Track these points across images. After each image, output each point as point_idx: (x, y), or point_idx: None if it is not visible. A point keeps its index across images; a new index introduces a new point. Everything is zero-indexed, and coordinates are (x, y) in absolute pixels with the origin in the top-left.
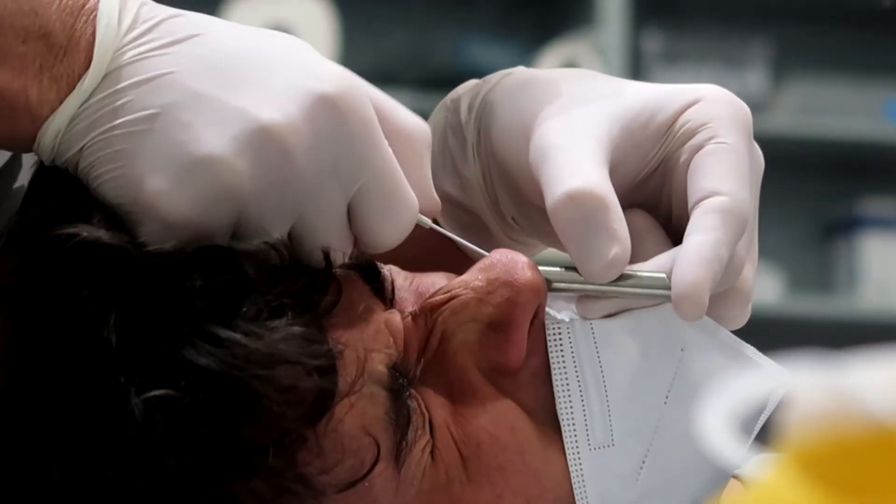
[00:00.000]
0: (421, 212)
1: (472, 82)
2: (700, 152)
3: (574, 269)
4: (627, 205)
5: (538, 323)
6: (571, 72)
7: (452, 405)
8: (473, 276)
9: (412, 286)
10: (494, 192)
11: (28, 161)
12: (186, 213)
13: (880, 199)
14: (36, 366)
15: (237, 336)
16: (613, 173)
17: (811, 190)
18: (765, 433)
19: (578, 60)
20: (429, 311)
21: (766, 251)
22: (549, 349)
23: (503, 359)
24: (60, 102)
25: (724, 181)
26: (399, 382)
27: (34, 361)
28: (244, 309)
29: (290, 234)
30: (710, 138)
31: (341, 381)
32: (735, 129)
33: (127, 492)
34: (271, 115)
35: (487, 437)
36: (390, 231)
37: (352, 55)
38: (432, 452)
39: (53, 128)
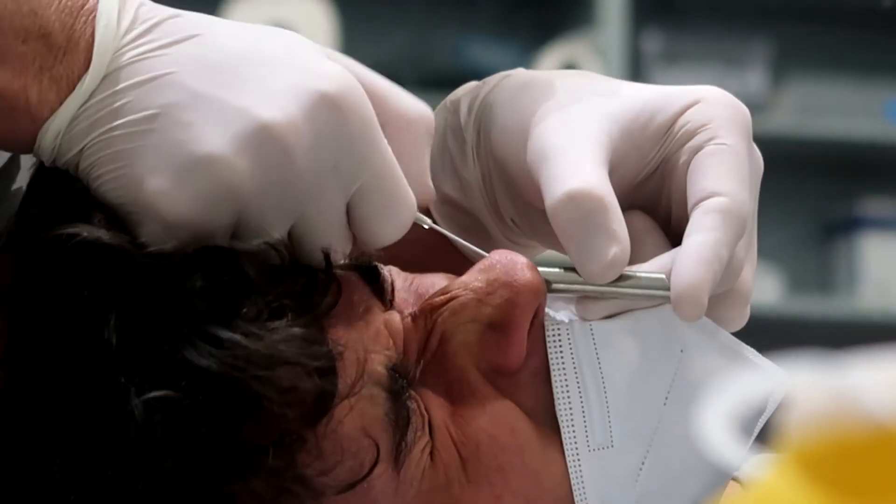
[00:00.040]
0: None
1: (471, 84)
2: (700, 153)
3: (573, 269)
4: (627, 206)
5: (538, 324)
6: (570, 73)
7: (452, 406)
8: (473, 277)
9: (412, 287)
10: (494, 194)
11: (26, 163)
12: (187, 213)
13: (880, 199)
14: (36, 366)
15: (237, 337)
16: (613, 174)
17: (811, 190)
18: (764, 435)
19: (578, 61)
20: (428, 312)
21: (765, 251)
22: (549, 350)
23: (503, 359)
24: (60, 103)
25: (723, 182)
26: (399, 383)
27: (34, 362)
28: (244, 310)
29: (290, 234)
30: (710, 139)
31: (341, 383)
32: (734, 131)
33: (127, 492)
34: (271, 115)
35: (487, 437)
36: (389, 230)
37: (352, 55)
38: (431, 453)
39: (53, 128)
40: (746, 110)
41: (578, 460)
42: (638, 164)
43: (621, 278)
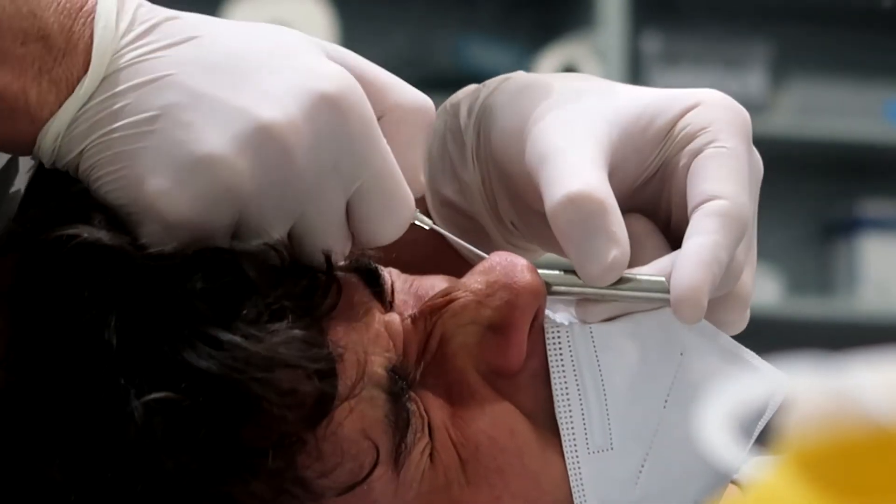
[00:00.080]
0: None
1: (471, 87)
2: (699, 156)
3: (573, 272)
4: (626, 209)
5: (537, 326)
6: (570, 76)
7: (451, 407)
8: (473, 279)
9: (412, 289)
10: (494, 197)
11: (24, 166)
12: (187, 213)
13: (880, 200)
14: (36, 367)
15: (237, 339)
16: (612, 177)
17: (811, 191)
18: (764, 438)
19: (578, 61)
20: (428, 314)
21: (765, 252)
22: (549, 352)
23: (502, 361)
24: (60, 105)
25: (723, 185)
26: (398, 385)
27: (34, 362)
28: (244, 311)
29: (290, 235)
30: (710, 142)
31: (341, 385)
32: (734, 134)
33: (127, 493)
34: (271, 115)
35: (486, 439)
36: (389, 229)
37: None
38: (431, 455)
39: (53, 130)
40: (746, 113)
41: (578, 462)
42: (638, 167)
43: (621, 281)
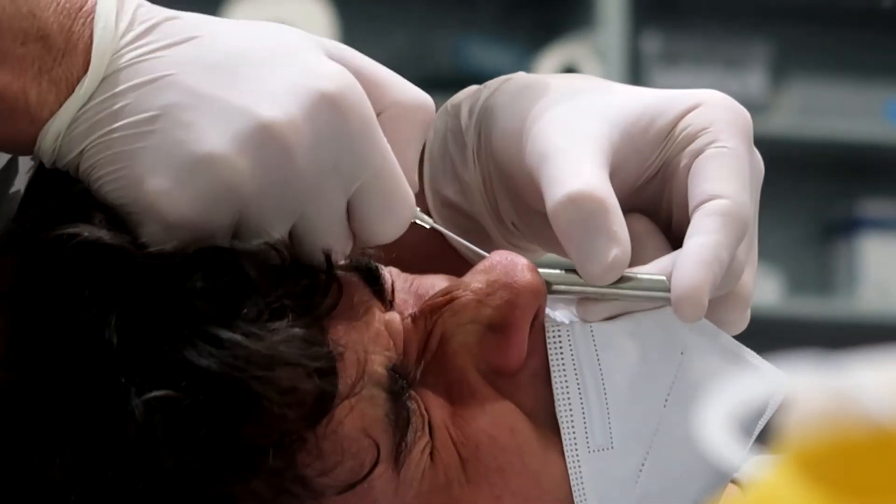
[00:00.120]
0: None
1: (472, 88)
2: (701, 156)
3: (574, 271)
4: (627, 209)
5: (538, 325)
6: (571, 77)
7: (452, 406)
8: (473, 278)
9: (412, 288)
10: (494, 197)
11: (24, 166)
12: (187, 213)
13: (880, 200)
14: (37, 366)
15: (238, 337)
16: (613, 177)
17: (811, 191)
18: (764, 437)
19: (578, 61)
20: (428, 313)
21: (765, 252)
22: (549, 351)
23: (502, 360)
24: (60, 105)
25: (724, 184)
26: (399, 384)
27: (35, 362)
28: (245, 310)
29: (290, 234)
30: (711, 143)
31: (341, 383)
32: (735, 134)
33: (127, 492)
34: (272, 114)
35: (486, 438)
36: (389, 228)
37: None
38: (431, 454)
39: (53, 130)
40: (747, 114)
41: (578, 461)
42: (638, 167)
43: (622, 280)
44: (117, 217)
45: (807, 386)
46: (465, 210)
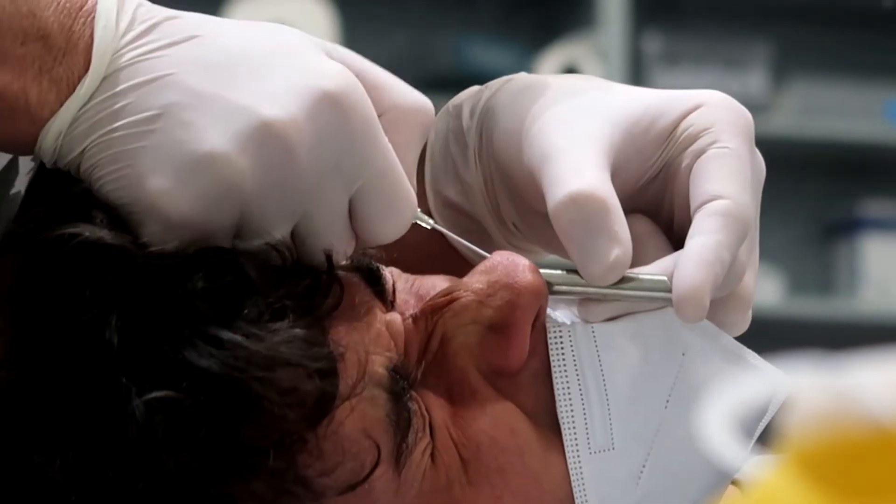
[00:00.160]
0: None
1: (473, 88)
2: (702, 157)
3: (575, 272)
4: (629, 210)
5: (539, 325)
6: (572, 77)
7: (452, 407)
8: (474, 279)
9: (413, 288)
10: (496, 198)
11: (25, 167)
12: (188, 213)
13: (881, 200)
14: (38, 366)
15: (238, 338)
16: (615, 178)
17: (811, 191)
18: (765, 437)
19: (579, 62)
20: (429, 314)
21: (766, 253)
22: (550, 352)
23: (503, 361)
24: (61, 104)
25: (726, 185)
26: (399, 385)
27: (36, 362)
28: (246, 310)
29: (292, 234)
30: (712, 143)
31: (342, 384)
32: (737, 134)
33: (128, 493)
34: (273, 113)
35: (487, 438)
36: (390, 228)
37: None
38: (432, 454)
39: (54, 130)
40: (748, 114)
41: (579, 462)
42: (640, 167)
43: (623, 280)
44: (118, 217)
45: (808, 386)
46: (467, 211)
